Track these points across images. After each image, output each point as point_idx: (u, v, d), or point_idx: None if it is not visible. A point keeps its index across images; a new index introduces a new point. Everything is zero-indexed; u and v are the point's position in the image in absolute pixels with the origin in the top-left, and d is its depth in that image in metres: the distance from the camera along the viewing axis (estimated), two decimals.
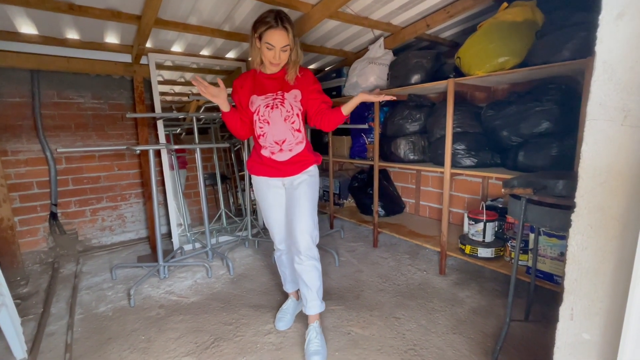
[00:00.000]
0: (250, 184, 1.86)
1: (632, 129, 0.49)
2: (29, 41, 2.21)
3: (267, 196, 1.53)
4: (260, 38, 1.33)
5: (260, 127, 1.42)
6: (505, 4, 1.79)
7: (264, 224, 3.01)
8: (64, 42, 2.30)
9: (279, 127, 1.41)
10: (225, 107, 1.39)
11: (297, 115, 1.43)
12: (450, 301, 1.85)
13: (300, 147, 1.46)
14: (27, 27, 2.09)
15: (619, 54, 0.48)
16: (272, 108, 1.40)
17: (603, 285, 0.62)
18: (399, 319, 1.70)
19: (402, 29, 2.52)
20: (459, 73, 2.01)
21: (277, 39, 1.30)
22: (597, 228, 0.58)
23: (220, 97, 1.34)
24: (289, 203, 1.50)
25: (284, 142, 1.42)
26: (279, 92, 1.42)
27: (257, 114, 1.41)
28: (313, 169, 1.52)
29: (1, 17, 1.89)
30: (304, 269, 1.48)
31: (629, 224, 0.53)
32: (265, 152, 1.46)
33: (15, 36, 2.15)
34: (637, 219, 0.47)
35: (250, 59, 1.44)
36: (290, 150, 1.44)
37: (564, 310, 0.70)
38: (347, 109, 1.39)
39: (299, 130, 1.45)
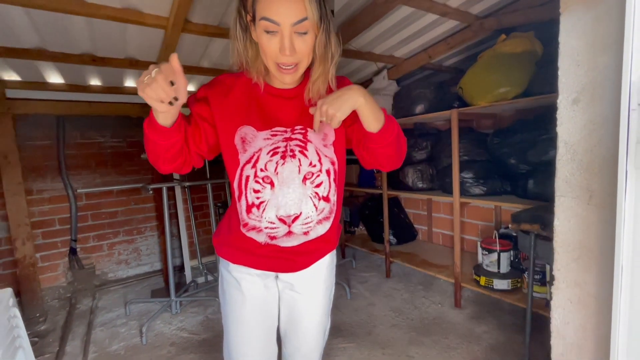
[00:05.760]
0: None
1: (598, 209, 0.48)
2: (56, 89, 2.40)
3: (246, 304, 0.84)
4: (254, 16, 0.67)
5: (257, 192, 0.77)
6: (503, 36, 1.83)
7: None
8: (88, 89, 2.48)
9: (292, 192, 0.77)
10: (168, 118, 0.66)
11: (327, 172, 0.80)
12: (467, 337, 1.77)
13: (325, 227, 0.83)
14: (55, 78, 2.27)
15: (578, 136, 0.49)
16: (282, 157, 0.76)
17: None
18: (413, 358, 1.63)
19: (405, 60, 2.58)
20: (463, 101, 2.03)
21: (285, 5, 0.63)
22: (576, 303, 0.56)
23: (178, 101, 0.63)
24: (287, 317, 0.90)
25: (296, 219, 0.78)
26: (298, 127, 0.78)
27: (254, 166, 0.76)
28: (330, 259, 0.92)
29: (33, 70, 2.08)
30: None
31: (605, 303, 0.51)
32: (258, 236, 0.80)
33: (44, 86, 2.33)
34: (610, 299, 0.46)
35: (232, 62, 0.76)
36: (305, 233, 0.81)
37: None
38: (374, 119, 0.72)
39: (326, 199, 0.81)
